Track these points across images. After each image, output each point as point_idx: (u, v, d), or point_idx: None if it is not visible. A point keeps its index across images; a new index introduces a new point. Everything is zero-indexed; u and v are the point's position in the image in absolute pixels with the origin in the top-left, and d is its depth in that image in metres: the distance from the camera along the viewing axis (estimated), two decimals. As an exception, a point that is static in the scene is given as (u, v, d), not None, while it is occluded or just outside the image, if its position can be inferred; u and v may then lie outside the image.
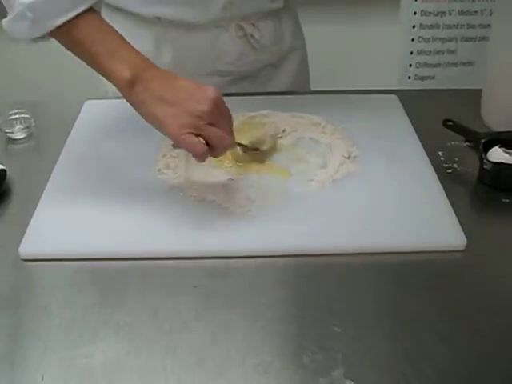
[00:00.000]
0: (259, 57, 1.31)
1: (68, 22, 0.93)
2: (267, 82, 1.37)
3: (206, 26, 1.23)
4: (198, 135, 0.89)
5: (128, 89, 0.91)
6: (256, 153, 1.07)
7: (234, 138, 0.95)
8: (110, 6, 1.27)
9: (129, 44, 0.95)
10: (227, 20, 1.23)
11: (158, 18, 1.22)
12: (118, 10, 1.25)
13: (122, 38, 0.96)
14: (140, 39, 1.18)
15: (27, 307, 0.84)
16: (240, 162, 1.06)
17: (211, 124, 0.89)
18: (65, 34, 0.95)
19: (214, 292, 0.85)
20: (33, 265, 0.91)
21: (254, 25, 1.26)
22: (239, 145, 1.03)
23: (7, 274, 0.89)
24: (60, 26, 0.94)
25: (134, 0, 1.21)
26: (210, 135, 0.89)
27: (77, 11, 0.93)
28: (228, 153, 1.03)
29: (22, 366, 0.76)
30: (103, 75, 0.95)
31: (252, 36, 1.26)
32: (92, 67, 0.96)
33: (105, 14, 1.29)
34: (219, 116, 0.90)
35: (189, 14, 1.20)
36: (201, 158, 0.90)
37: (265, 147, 1.08)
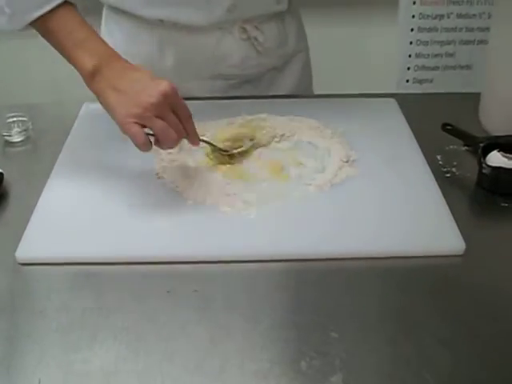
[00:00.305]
0: (263, 60, 1.30)
1: (43, 15, 0.99)
2: (271, 86, 1.36)
3: (209, 29, 1.22)
4: (144, 126, 0.92)
5: (89, 78, 0.97)
6: (224, 154, 1.08)
7: (192, 135, 0.98)
8: (113, 8, 1.27)
9: (97, 36, 1.00)
10: (231, 22, 1.23)
11: (161, 21, 1.21)
12: (122, 12, 1.25)
13: (92, 30, 1.01)
14: (143, 42, 1.22)
15: (24, 311, 0.83)
16: (210, 160, 1.08)
17: (158, 117, 0.91)
18: (41, 24, 1.02)
19: (214, 296, 0.84)
20: (30, 269, 0.90)
21: (257, 27, 1.26)
22: (207, 143, 1.06)
23: (4, 278, 0.89)
24: (37, 18, 1.00)
25: (136, 2, 1.20)
26: (155, 127, 0.92)
27: (51, 5, 0.99)
28: (227, 158, 1.06)
29: (19, 370, 0.75)
30: (71, 64, 1.00)
31: (256, 39, 1.26)
32: (63, 56, 1.01)
33: (108, 16, 1.30)
34: (168, 110, 0.92)
35: (192, 17, 1.19)
36: (142, 147, 0.93)
37: (235, 150, 1.08)
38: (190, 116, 0.96)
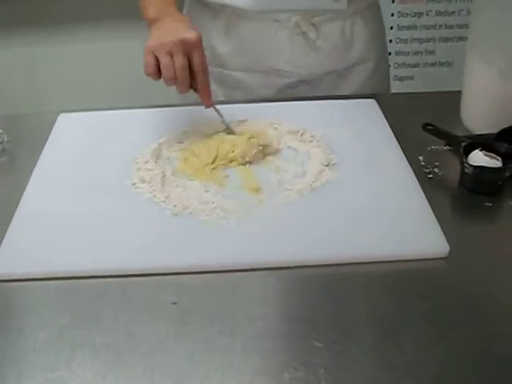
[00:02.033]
0: (320, 61, 1.31)
1: None
2: (330, 91, 1.36)
3: (265, 20, 1.27)
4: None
5: (150, 25, 1.15)
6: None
7: (203, 89, 1.10)
8: None
9: None
10: (286, 15, 1.26)
11: (223, 6, 1.29)
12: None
13: None
14: (208, 27, 1.32)
15: (1, 329, 0.81)
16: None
17: (169, 54, 1.04)
18: None
19: (192, 309, 0.83)
20: (6, 285, 0.88)
21: (314, 25, 1.27)
22: (218, 113, 1.14)
23: (-20, 296, 0.87)
24: None
25: None
26: (161, 61, 1.05)
27: None
28: (205, 168, 1.06)
29: (-5, 392, 0.74)
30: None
31: (307, 35, 1.27)
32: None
33: (187, 5, 1.43)
34: (180, 51, 1.04)
35: (242, 1, 1.25)
36: (146, 74, 1.07)
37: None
38: (204, 69, 1.08)
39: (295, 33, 1.27)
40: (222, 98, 1.37)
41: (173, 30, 1.07)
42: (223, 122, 1.14)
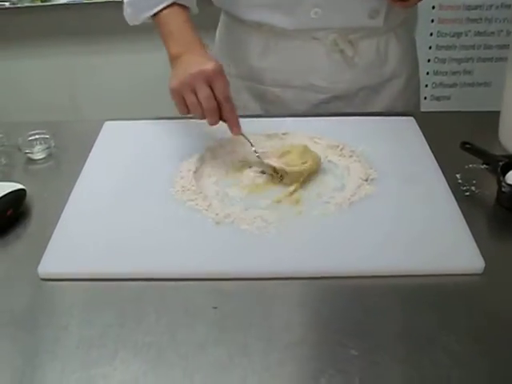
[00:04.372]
0: (356, 76, 1.33)
1: (155, 13, 1.20)
2: (363, 106, 1.38)
3: (302, 37, 1.29)
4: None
5: (172, 60, 1.15)
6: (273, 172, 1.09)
7: (230, 118, 1.09)
8: (225, 12, 1.42)
9: (188, 30, 1.18)
10: (323, 32, 1.28)
11: (260, 25, 1.31)
12: (231, 16, 1.38)
13: (186, 25, 1.19)
14: (246, 44, 1.35)
15: (46, 327, 0.84)
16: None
17: (193, 90, 1.06)
18: (154, 20, 1.22)
19: (232, 314, 0.85)
20: (51, 284, 0.91)
21: (351, 42, 1.29)
22: (248, 141, 1.11)
23: (26, 294, 0.90)
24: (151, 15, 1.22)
25: (238, 5, 1.32)
26: (187, 100, 1.07)
27: (159, 7, 1.19)
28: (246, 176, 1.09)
29: (40, 385, 0.76)
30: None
31: (344, 52, 1.29)
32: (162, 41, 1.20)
33: (222, 19, 1.46)
34: (202, 83, 1.05)
35: (281, 21, 1.28)
36: (180, 113, 1.10)
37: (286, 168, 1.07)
38: (227, 97, 1.07)
39: (333, 50, 1.29)
40: (259, 112, 1.40)
41: (192, 64, 1.08)
42: (254, 150, 1.12)
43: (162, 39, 1.19)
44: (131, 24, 1.27)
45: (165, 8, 1.19)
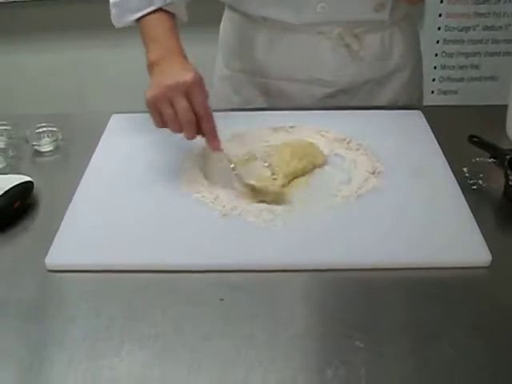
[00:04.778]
0: (361, 70, 1.33)
1: (140, 18, 1.16)
2: (368, 99, 1.38)
3: (308, 31, 1.28)
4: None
5: (149, 67, 1.10)
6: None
7: (209, 134, 1.04)
8: (229, 6, 1.40)
9: (170, 37, 1.13)
10: (328, 26, 1.27)
11: (265, 19, 1.30)
12: (235, 10, 1.37)
13: (170, 31, 1.14)
14: (250, 39, 1.34)
15: (52, 318, 0.85)
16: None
17: (171, 102, 1.01)
18: (138, 24, 1.18)
19: (237, 306, 0.85)
20: (58, 276, 0.92)
21: (356, 36, 1.29)
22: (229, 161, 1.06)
23: (33, 285, 0.90)
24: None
25: (242, 0, 1.31)
26: (163, 113, 1.02)
27: (143, 12, 1.15)
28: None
29: (47, 376, 0.77)
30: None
31: (350, 46, 1.29)
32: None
33: (225, 13, 1.44)
34: (179, 95, 1.00)
35: (286, 15, 1.27)
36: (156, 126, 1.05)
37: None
38: (205, 110, 1.02)
39: (338, 44, 1.29)
40: (264, 105, 1.40)
41: (169, 75, 1.03)
42: (233, 167, 1.05)
43: (144, 45, 1.15)
44: (117, 26, 1.22)
45: (150, 13, 1.16)
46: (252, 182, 1.04)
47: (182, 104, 1.00)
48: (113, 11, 1.20)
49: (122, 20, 1.19)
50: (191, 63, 1.08)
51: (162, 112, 1.02)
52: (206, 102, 1.02)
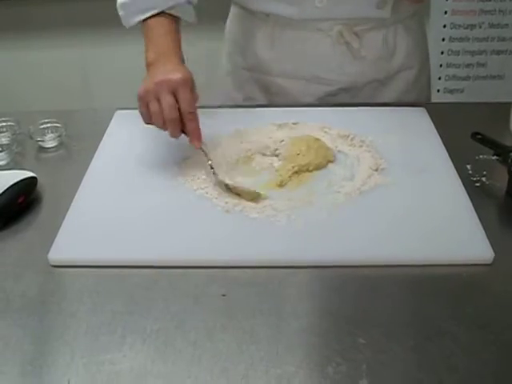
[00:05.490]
0: (362, 69, 1.32)
1: (144, 19, 1.19)
2: (370, 99, 1.37)
3: (308, 28, 1.28)
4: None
5: (147, 66, 1.13)
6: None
7: (192, 132, 1.06)
8: (234, 2, 1.41)
9: (170, 40, 1.16)
10: (328, 23, 1.27)
11: (267, 15, 1.30)
12: (240, 6, 1.38)
13: (170, 34, 1.17)
14: (254, 35, 1.34)
15: (55, 313, 0.85)
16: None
17: (158, 99, 1.04)
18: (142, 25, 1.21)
19: (239, 302, 0.85)
20: (61, 271, 0.92)
21: (356, 34, 1.28)
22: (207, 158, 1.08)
23: (36, 280, 0.91)
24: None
25: None
26: (150, 108, 1.04)
27: (147, 14, 1.18)
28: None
29: (49, 370, 0.77)
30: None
31: (350, 44, 1.28)
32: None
33: (231, 10, 1.44)
34: (166, 92, 1.03)
35: (286, 10, 1.27)
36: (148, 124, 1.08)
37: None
38: (190, 109, 1.05)
39: (338, 42, 1.28)
40: (265, 103, 1.39)
41: (159, 72, 1.06)
42: (210, 165, 1.07)
43: (145, 41, 1.17)
44: (127, 27, 1.25)
45: (154, 16, 1.18)
46: (228, 181, 1.04)
47: (167, 100, 1.03)
48: (120, 12, 1.23)
49: (129, 21, 1.22)
50: (185, 65, 1.11)
51: (148, 107, 1.04)
52: (192, 101, 1.05)
